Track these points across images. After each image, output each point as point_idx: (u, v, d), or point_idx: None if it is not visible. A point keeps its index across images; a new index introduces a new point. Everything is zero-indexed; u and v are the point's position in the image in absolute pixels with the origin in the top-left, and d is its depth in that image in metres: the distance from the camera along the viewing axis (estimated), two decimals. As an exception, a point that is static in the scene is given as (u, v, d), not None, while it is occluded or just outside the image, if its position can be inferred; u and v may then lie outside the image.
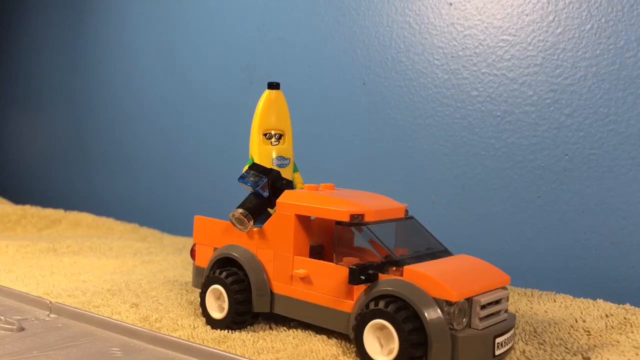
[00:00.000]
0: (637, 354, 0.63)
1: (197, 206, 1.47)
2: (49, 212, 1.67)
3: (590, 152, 0.98)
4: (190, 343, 0.61)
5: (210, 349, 0.60)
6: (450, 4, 1.12)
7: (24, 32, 2.10)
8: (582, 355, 0.63)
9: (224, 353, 0.58)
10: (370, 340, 0.59)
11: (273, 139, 0.80)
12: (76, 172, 1.90)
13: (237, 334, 0.70)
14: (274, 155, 0.80)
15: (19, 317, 0.72)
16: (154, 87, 1.65)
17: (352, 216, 0.65)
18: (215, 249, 0.78)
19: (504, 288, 0.63)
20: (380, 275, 0.62)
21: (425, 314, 0.57)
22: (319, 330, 0.71)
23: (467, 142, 1.09)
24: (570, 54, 1.00)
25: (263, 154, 0.79)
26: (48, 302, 0.75)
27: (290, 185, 0.76)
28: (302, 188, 0.78)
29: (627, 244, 0.94)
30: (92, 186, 1.84)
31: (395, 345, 0.57)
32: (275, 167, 0.79)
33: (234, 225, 0.74)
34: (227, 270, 0.73)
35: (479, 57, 1.08)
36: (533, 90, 1.03)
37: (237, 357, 0.57)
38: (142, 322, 0.73)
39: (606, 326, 0.74)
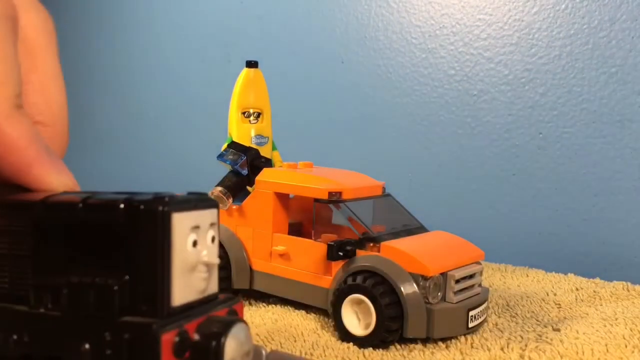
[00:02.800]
0: (605, 325, 0.65)
1: (176, 185, 1.47)
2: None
3: (563, 131, 1.00)
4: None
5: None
6: (428, -17, 1.12)
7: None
8: (552, 327, 0.65)
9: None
10: (348, 314, 0.61)
11: (252, 117, 0.81)
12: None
13: (217, 310, 0.71)
14: (252, 134, 0.80)
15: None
16: (131, 64, 1.63)
17: (330, 194, 0.66)
18: (194, 226, 0.78)
19: (478, 263, 0.65)
20: (357, 251, 0.63)
21: (402, 289, 0.58)
22: (297, 305, 0.72)
23: (444, 121, 1.11)
24: (545, 34, 1.01)
25: (242, 132, 0.80)
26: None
27: (269, 163, 0.76)
28: (280, 166, 0.79)
29: (598, 220, 0.97)
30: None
31: (372, 319, 0.58)
32: (254, 146, 0.79)
33: (213, 203, 0.74)
34: (207, 248, 0.74)
35: (456, 36, 1.09)
36: (509, 69, 1.04)
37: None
38: (122, 300, 0.73)
39: (576, 299, 0.77)
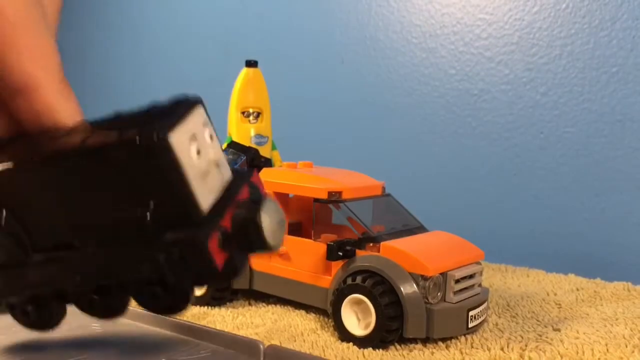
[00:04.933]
0: (605, 326, 0.65)
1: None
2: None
3: (564, 131, 0.99)
4: (170, 318, 0.62)
5: (190, 324, 0.60)
6: (429, -18, 1.12)
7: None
8: (552, 327, 0.65)
9: (204, 327, 0.59)
10: (348, 314, 0.61)
11: (251, 117, 0.81)
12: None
13: (216, 310, 0.70)
14: (252, 133, 0.80)
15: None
16: (130, 63, 1.63)
17: (329, 193, 0.66)
18: (194, 226, 0.78)
19: (478, 263, 0.65)
20: (357, 251, 0.63)
21: (401, 289, 0.58)
22: (297, 305, 0.72)
23: (444, 121, 1.10)
24: (546, 33, 1.01)
25: (241, 132, 0.80)
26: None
27: (268, 163, 0.76)
28: (280, 166, 0.79)
29: (599, 220, 0.97)
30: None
31: (372, 319, 0.58)
32: (253, 145, 0.79)
33: (213, 203, 0.74)
34: (206, 248, 0.74)
35: (456, 36, 1.09)
36: (509, 69, 1.04)
37: (216, 331, 0.58)
38: (122, 300, 0.73)
39: (576, 299, 0.76)
